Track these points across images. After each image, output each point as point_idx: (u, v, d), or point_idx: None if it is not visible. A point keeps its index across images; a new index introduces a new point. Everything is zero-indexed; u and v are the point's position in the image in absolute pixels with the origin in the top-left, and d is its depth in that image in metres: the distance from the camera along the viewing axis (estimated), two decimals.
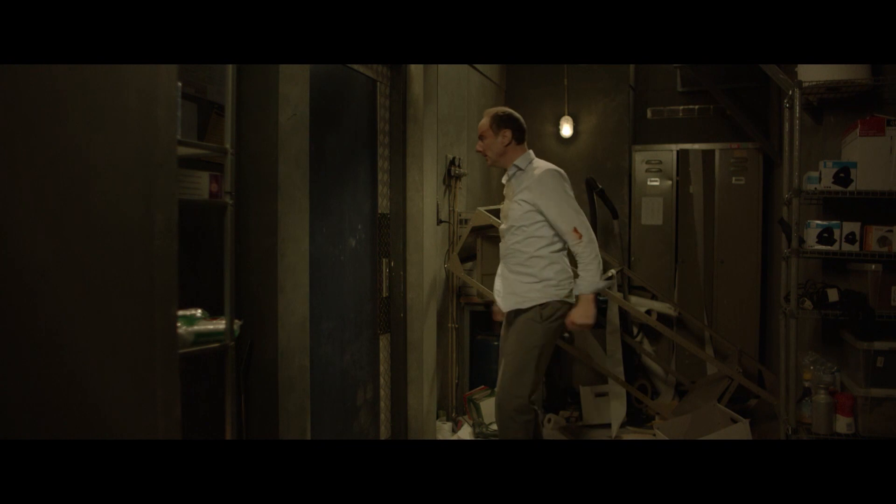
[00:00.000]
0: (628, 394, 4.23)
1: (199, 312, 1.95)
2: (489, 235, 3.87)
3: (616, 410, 4.18)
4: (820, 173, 2.88)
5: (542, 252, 2.81)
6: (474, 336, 4.22)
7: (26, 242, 1.20)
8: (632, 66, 5.21)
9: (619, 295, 4.65)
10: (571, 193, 2.84)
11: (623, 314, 4.54)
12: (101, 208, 1.34)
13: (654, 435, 3.66)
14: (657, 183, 5.03)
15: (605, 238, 5.04)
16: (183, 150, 1.80)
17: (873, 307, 2.78)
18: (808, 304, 2.89)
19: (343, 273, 3.13)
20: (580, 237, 2.78)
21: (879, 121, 2.77)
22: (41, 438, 1.22)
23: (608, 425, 4.18)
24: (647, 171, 5.05)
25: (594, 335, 4.50)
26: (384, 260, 3.52)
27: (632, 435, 4.07)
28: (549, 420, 4.27)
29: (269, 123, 2.37)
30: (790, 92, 2.90)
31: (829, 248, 2.83)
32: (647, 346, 4.86)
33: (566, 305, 2.83)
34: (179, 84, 1.65)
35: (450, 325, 4.02)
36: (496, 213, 3.57)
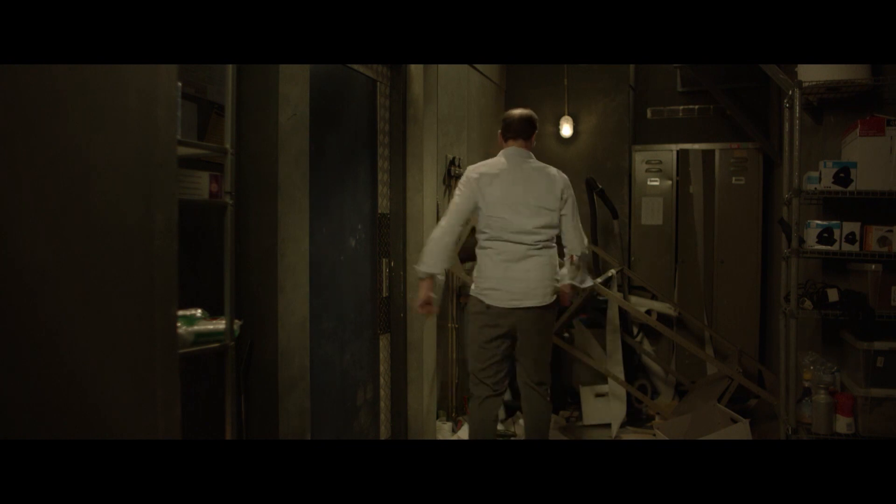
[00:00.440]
0: (628, 394, 4.23)
1: (199, 312, 1.95)
2: None
3: (616, 410, 4.18)
4: (820, 173, 2.88)
5: (479, 244, 3.02)
6: None
7: (26, 242, 1.20)
8: (632, 66, 5.21)
9: (619, 295, 4.65)
10: (460, 191, 2.97)
11: (623, 314, 4.54)
12: (101, 208, 1.34)
13: (654, 435, 3.67)
14: (657, 183, 5.04)
15: (605, 238, 5.04)
16: (183, 150, 1.80)
17: (873, 307, 2.78)
18: (808, 304, 2.89)
19: (343, 273, 3.13)
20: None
21: (879, 121, 2.77)
22: (41, 438, 1.22)
23: (608, 425, 4.18)
24: (647, 171, 5.05)
25: (594, 335, 4.51)
26: (384, 260, 3.52)
27: (632, 435, 4.07)
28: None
29: (269, 123, 2.37)
30: (790, 92, 2.90)
31: (829, 248, 2.83)
32: (647, 346, 4.86)
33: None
34: (179, 84, 1.65)
35: (450, 325, 4.02)
36: None
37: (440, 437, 3.77)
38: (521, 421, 4.05)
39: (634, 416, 4.39)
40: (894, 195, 2.76)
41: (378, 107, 3.48)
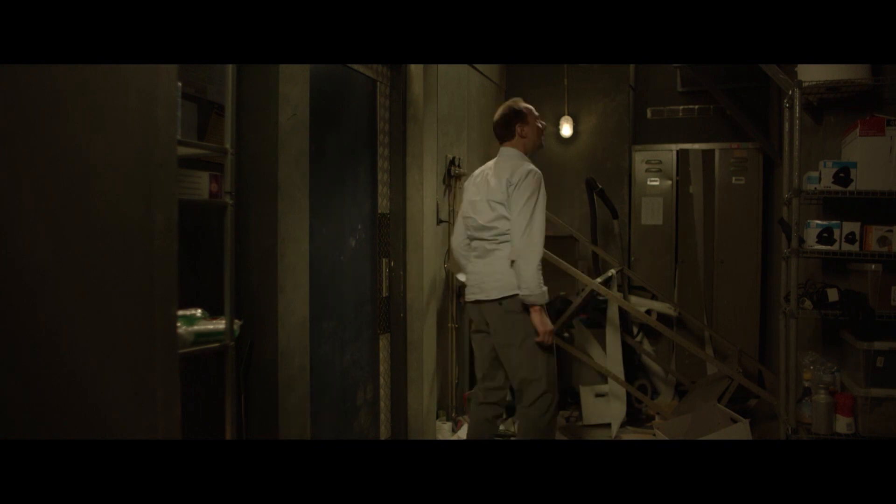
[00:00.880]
0: (628, 394, 4.23)
1: (199, 312, 1.95)
2: None
3: (616, 410, 4.18)
4: (820, 173, 2.88)
5: None
6: None
7: (26, 242, 1.20)
8: (632, 66, 5.21)
9: (619, 295, 4.65)
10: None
11: (623, 314, 4.54)
12: (101, 208, 1.34)
13: (654, 435, 3.66)
14: (657, 183, 5.03)
15: (605, 238, 5.04)
16: (183, 150, 1.80)
17: (873, 307, 2.78)
18: (808, 304, 2.89)
19: (343, 273, 3.13)
20: None
21: (879, 121, 2.77)
22: (41, 438, 1.22)
23: (608, 425, 4.18)
24: (647, 171, 5.05)
25: (594, 335, 4.51)
26: (384, 260, 3.52)
27: (632, 435, 4.07)
28: None
29: (269, 123, 2.37)
30: (790, 92, 2.90)
31: (829, 248, 2.83)
32: (647, 346, 4.86)
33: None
34: (179, 84, 1.65)
35: (450, 325, 4.02)
36: None
37: (440, 437, 3.77)
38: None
39: (634, 416, 4.39)
40: (894, 195, 2.76)
41: (378, 107, 3.48)
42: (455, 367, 4.05)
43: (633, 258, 5.06)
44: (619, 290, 4.74)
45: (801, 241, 2.87)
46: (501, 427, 3.98)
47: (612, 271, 4.62)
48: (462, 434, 3.77)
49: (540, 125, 2.96)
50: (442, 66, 3.80)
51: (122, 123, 1.40)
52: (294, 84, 2.44)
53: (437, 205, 3.80)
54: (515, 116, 2.90)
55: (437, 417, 3.85)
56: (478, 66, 4.51)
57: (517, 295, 2.73)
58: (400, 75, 3.60)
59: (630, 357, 4.58)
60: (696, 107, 5.24)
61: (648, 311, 4.65)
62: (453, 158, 4.01)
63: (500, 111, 2.96)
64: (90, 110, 1.33)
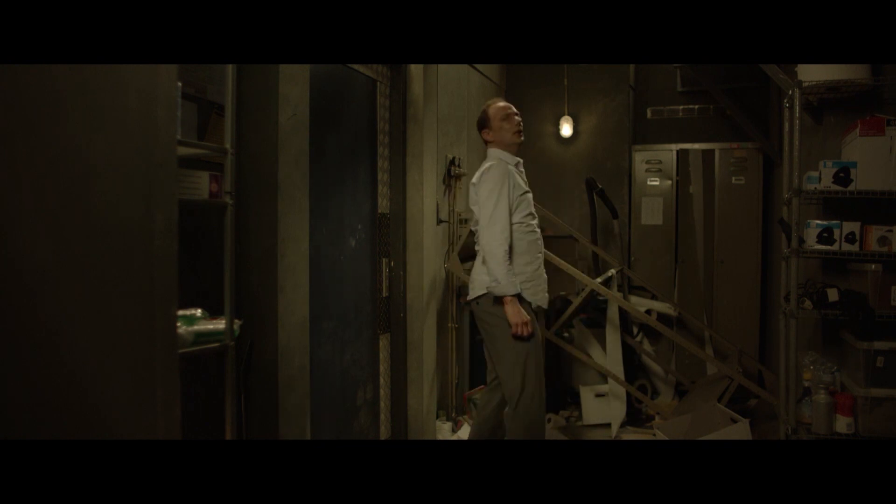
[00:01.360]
0: (628, 394, 4.23)
1: (199, 312, 1.95)
2: None
3: (616, 410, 4.18)
4: (820, 173, 2.88)
5: None
6: (474, 336, 4.22)
7: (26, 242, 1.20)
8: (632, 66, 5.21)
9: (619, 295, 4.65)
10: None
11: (623, 314, 4.54)
12: (101, 208, 1.34)
13: (654, 435, 3.66)
14: (657, 183, 5.03)
15: (605, 238, 5.04)
16: (183, 150, 1.80)
17: (873, 307, 2.78)
18: (808, 304, 2.89)
19: (343, 273, 3.13)
20: None
21: (879, 121, 2.77)
22: (41, 438, 1.22)
23: (608, 425, 4.18)
24: (647, 171, 5.05)
25: (594, 335, 4.51)
26: (384, 260, 3.52)
27: (632, 435, 4.07)
28: (549, 420, 4.27)
29: (269, 123, 2.37)
30: (790, 92, 2.90)
31: (829, 247, 2.83)
32: (647, 346, 4.86)
33: None
34: (179, 84, 1.65)
35: (450, 325, 4.02)
36: None
37: (440, 437, 3.76)
38: None
39: (634, 416, 4.39)
40: (894, 195, 2.77)
41: (378, 107, 3.48)
42: (455, 367, 4.05)
43: (633, 258, 5.06)
44: (619, 290, 4.74)
45: (801, 241, 2.87)
46: None
47: (612, 271, 4.62)
48: (462, 434, 3.77)
49: (508, 123, 2.90)
50: (442, 66, 3.80)
51: (122, 123, 1.40)
52: (294, 84, 2.44)
53: (437, 205, 3.80)
54: (480, 123, 2.98)
55: (437, 417, 3.85)
56: (478, 66, 4.51)
57: (488, 293, 2.77)
58: (400, 75, 3.60)
59: (630, 357, 4.58)
60: (696, 107, 5.24)
61: (648, 311, 4.65)
62: (453, 158, 4.01)
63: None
64: (90, 110, 1.33)
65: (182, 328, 1.82)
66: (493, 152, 2.93)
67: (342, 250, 3.12)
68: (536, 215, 2.93)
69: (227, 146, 2.01)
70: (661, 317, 4.68)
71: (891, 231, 2.76)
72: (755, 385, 3.97)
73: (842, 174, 2.81)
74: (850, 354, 2.91)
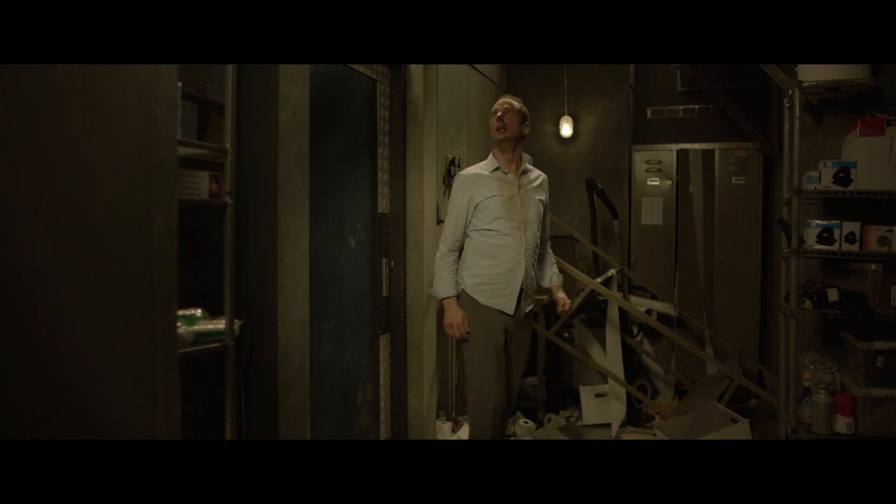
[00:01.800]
0: (628, 394, 4.23)
1: (199, 312, 1.95)
2: None
3: (616, 410, 4.18)
4: (820, 173, 2.88)
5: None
6: None
7: (26, 242, 1.20)
8: (632, 66, 5.21)
9: (619, 295, 4.65)
10: None
11: (623, 314, 4.54)
12: (101, 208, 1.34)
13: (654, 435, 3.67)
14: (657, 183, 5.04)
15: (605, 238, 5.04)
16: (183, 150, 1.80)
17: (873, 307, 2.78)
18: (808, 304, 2.89)
19: (343, 273, 3.13)
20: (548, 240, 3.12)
21: (879, 121, 2.77)
22: (41, 438, 1.22)
23: (608, 425, 4.18)
24: (647, 171, 5.05)
25: (594, 335, 4.51)
26: (384, 260, 3.52)
27: (632, 435, 4.07)
28: (549, 420, 4.27)
29: (269, 123, 2.37)
30: (790, 92, 2.90)
31: (829, 247, 2.83)
32: (647, 346, 4.86)
33: None
34: (179, 84, 1.65)
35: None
36: None
37: (440, 437, 3.77)
38: (521, 421, 4.05)
39: (634, 416, 4.39)
40: (894, 195, 2.77)
41: (378, 107, 3.48)
42: (455, 367, 4.05)
43: (633, 258, 5.06)
44: (619, 290, 4.74)
45: (801, 241, 2.87)
46: None
47: (612, 271, 4.62)
48: (462, 434, 3.77)
49: (491, 120, 2.87)
50: (442, 66, 3.80)
51: (122, 123, 1.40)
52: (294, 84, 2.44)
53: (437, 205, 3.80)
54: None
55: (437, 417, 3.85)
56: (478, 66, 4.51)
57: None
58: (400, 75, 3.60)
59: (630, 357, 4.58)
60: (696, 107, 5.24)
61: (648, 311, 4.65)
62: (453, 158, 4.01)
63: None
64: (90, 110, 1.33)
65: (182, 328, 1.82)
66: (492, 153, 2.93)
67: (342, 250, 3.12)
68: (517, 219, 2.80)
69: (227, 146, 2.01)
70: (661, 317, 4.69)
71: (891, 231, 2.76)
72: (755, 385, 3.97)
73: (842, 174, 2.81)
74: (850, 354, 2.91)
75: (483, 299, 2.78)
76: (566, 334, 4.44)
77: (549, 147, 5.22)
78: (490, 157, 2.90)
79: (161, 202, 1.49)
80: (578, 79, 5.12)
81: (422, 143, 3.62)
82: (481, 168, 2.88)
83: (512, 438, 3.94)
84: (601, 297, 4.30)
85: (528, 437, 3.97)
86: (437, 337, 3.83)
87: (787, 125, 2.97)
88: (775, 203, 4.40)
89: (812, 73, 2.90)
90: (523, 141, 2.89)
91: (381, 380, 3.53)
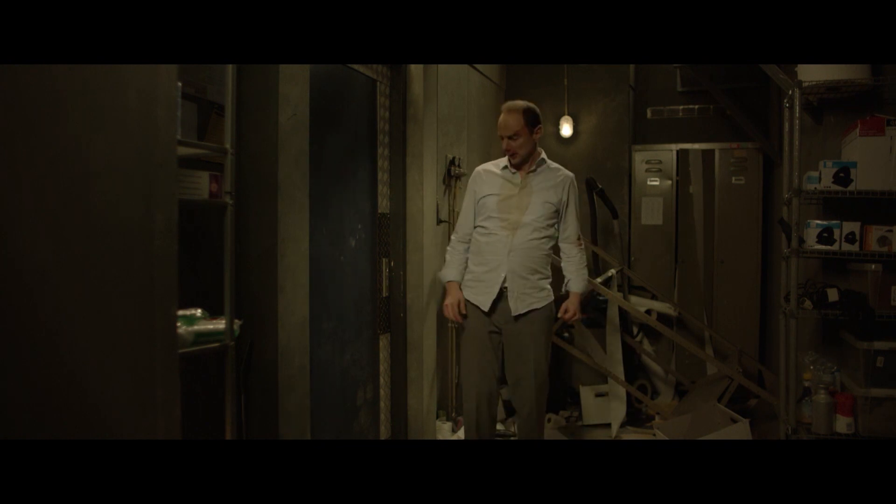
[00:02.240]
0: (628, 394, 4.23)
1: (199, 312, 1.95)
2: None
3: (616, 410, 4.18)
4: (820, 173, 2.88)
5: (549, 251, 2.94)
6: None
7: (26, 242, 1.20)
8: (632, 66, 5.21)
9: (619, 295, 4.65)
10: None
11: (623, 314, 4.54)
12: (101, 208, 1.34)
13: (654, 435, 3.67)
14: (657, 183, 5.03)
15: (605, 238, 5.04)
16: (183, 150, 1.80)
17: (873, 307, 2.78)
18: (808, 304, 2.89)
19: (343, 273, 3.13)
20: (581, 243, 3.01)
21: (879, 121, 2.77)
22: (41, 438, 1.22)
23: (608, 425, 4.18)
24: (647, 171, 5.05)
25: (594, 335, 4.51)
26: (384, 260, 3.52)
27: (632, 435, 4.07)
28: (549, 420, 4.27)
29: (269, 123, 2.37)
30: (790, 92, 2.90)
31: (829, 247, 2.83)
32: (647, 346, 4.86)
33: None
34: (179, 84, 1.65)
35: (450, 325, 4.02)
36: None
37: (440, 437, 3.77)
38: None
39: (634, 416, 4.39)
40: (894, 195, 2.76)
41: (378, 107, 3.48)
42: (455, 367, 4.05)
43: (633, 258, 5.06)
44: (619, 290, 4.74)
45: (801, 241, 2.87)
46: (500, 427, 3.99)
47: (612, 271, 4.62)
48: (462, 434, 3.78)
49: (501, 143, 2.92)
50: (442, 66, 3.80)
51: (122, 123, 1.40)
52: (294, 84, 2.44)
53: (437, 205, 3.80)
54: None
55: (437, 417, 3.85)
56: (478, 66, 4.51)
57: None
58: (400, 75, 3.60)
59: (630, 357, 4.58)
60: (696, 107, 5.24)
61: (648, 311, 4.65)
62: (453, 158, 4.01)
63: None
64: (90, 110, 1.33)
65: (182, 328, 1.82)
66: None
67: (342, 250, 3.12)
68: (509, 220, 2.81)
69: (227, 146, 2.01)
70: (661, 317, 4.68)
71: (891, 231, 2.76)
72: (755, 385, 3.97)
73: (842, 174, 2.81)
74: (850, 354, 2.91)
75: (468, 294, 2.93)
76: (566, 334, 4.43)
77: (549, 147, 5.21)
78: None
79: (161, 202, 1.49)
80: (578, 79, 5.12)
81: (422, 143, 3.62)
82: (494, 165, 2.96)
83: (512, 438, 3.94)
84: (601, 297, 4.30)
85: None
86: (437, 337, 3.83)
87: (787, 125, 2.97)
88: (775, 203, 4.40)
89: (812, 73, 2.90)
90: (537, 143, 2.91)
91: (381, 380, 3.53)
